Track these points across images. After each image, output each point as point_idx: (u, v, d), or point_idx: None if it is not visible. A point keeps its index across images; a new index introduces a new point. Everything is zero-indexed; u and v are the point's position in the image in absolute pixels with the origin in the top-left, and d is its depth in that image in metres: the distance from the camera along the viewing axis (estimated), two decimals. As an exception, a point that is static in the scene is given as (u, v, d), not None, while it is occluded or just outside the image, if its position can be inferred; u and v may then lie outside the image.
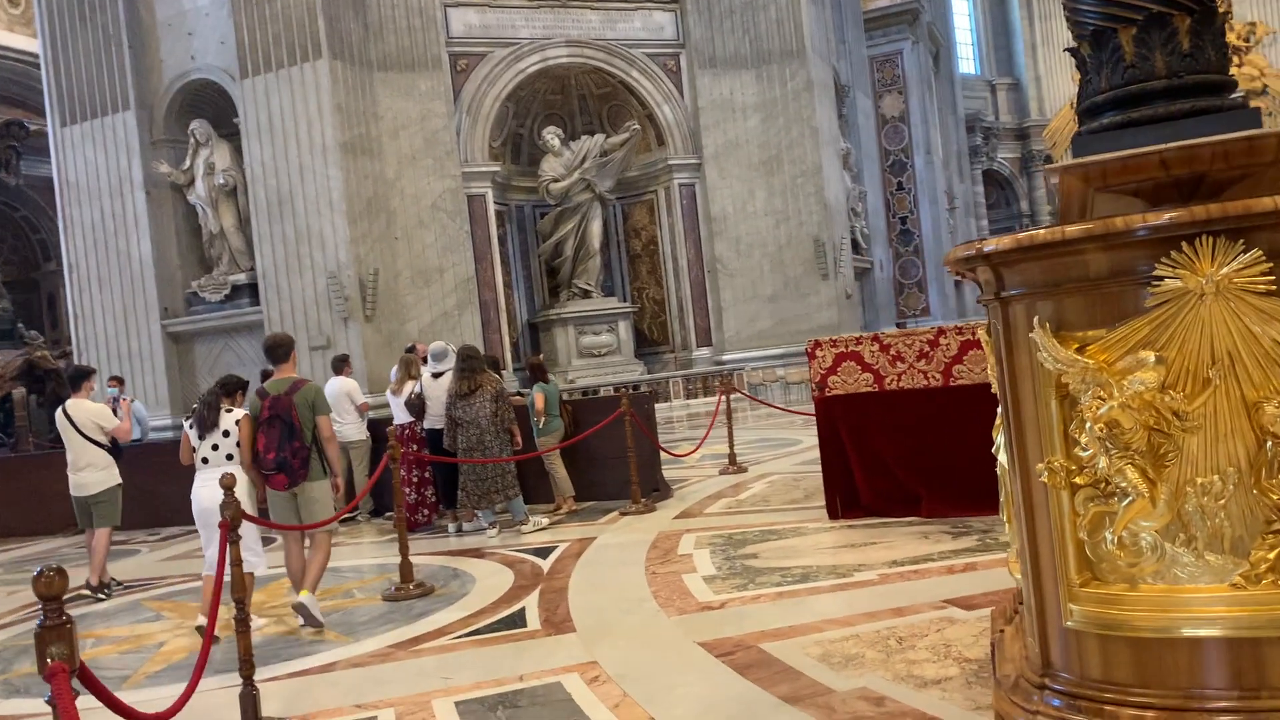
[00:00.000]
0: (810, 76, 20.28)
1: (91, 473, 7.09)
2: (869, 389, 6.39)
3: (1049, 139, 37.86)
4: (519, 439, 7.70)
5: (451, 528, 7.93)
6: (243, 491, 5.33)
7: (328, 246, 16.45)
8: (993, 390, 3.00)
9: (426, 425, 8.02)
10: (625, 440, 7.93)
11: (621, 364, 19.95)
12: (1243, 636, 2.23)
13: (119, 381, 12.48)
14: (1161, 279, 2.23)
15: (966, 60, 37.41)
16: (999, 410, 2.90)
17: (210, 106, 17.42)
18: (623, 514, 7.76)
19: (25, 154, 22.67)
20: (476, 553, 7.02)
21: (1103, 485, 2.34)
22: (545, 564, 6.33)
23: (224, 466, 5.45)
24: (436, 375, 7.90)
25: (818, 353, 6.52)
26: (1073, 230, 2.30)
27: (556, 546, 6.83)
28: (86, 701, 4.51)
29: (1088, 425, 2.32)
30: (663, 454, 8.78)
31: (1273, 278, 2.17)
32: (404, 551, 5.96)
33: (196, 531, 8.89)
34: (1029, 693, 2.51)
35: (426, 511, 8.21)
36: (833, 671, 3.71)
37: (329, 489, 5.53)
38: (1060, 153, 38.10)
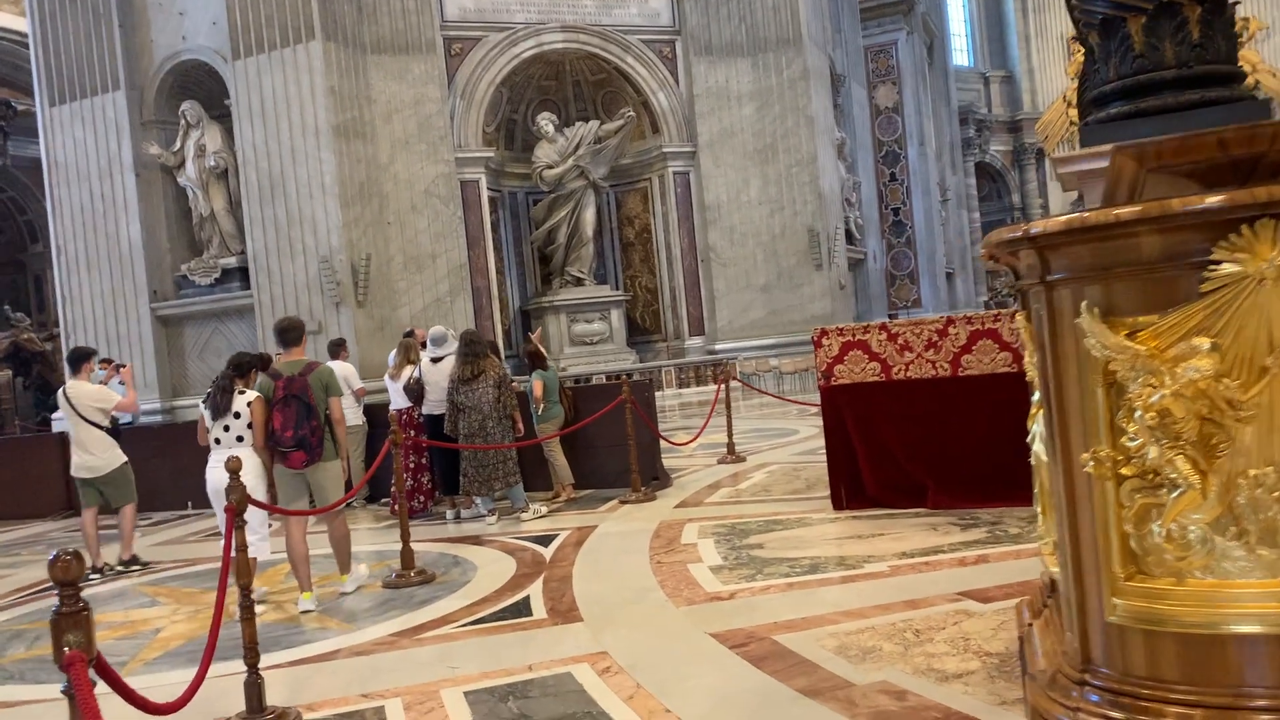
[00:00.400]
0: (806, 65, 20.17)
1: (98, 454, 7.10)
2: (876, 378, 6.33)
3: (1041, 132, 37.62)
4: (521, 425, 7.62)
5: (449, 514, 7.85)
6: (254, 473, 5.39)
7: (320, 231, 16.27)
8: (1028, 379, 2.93)
9: (424, 411, 7.93)
10: (624, 428, 7.85)
11: (613, 352, 19.85)
12: (1293, 633, 2.17)
13: (109, 364, 12.31)
14: (1219, 263, 2.16)
15: (960, 52, 37.37)
16: (1035, 399, 2.83)
17: (201, 88, 17.19)
18: (622, 502, 7.69)
19: (12, 134, 22.39)
20: (476, 540, 6.94)
21: (1151, 476, 2.28)
22: (547, 552, 6.26)
23: (234, 448, 5.50)
24: (436, 360, 7.80)
25: (824, 341, 6.45)
26: (1126, 212, 2.22)
27: (557, 534, 6.76)
28: (59, 689, 4.44)
29: (1137, 414, 2.25)
30: (661, 443, 8.71)
31: (1333, 264, 2.10)
32: (405, 538, 5.87)
33: (187, 516, 8.81)
34: (1068, 688, 2.45)
35: (423, 498, 8.12)
36: (850, 665, 3.65)
37: (339, 469, 5.61)
38: (1053, 146, 37.90)
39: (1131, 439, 2.29)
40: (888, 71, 29.22)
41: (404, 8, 17.78)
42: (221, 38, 16.58)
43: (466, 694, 3.80)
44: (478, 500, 7.78)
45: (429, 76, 17.99)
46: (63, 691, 2.26)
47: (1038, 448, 2.81)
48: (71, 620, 2.21)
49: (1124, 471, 2.32)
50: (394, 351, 8.41)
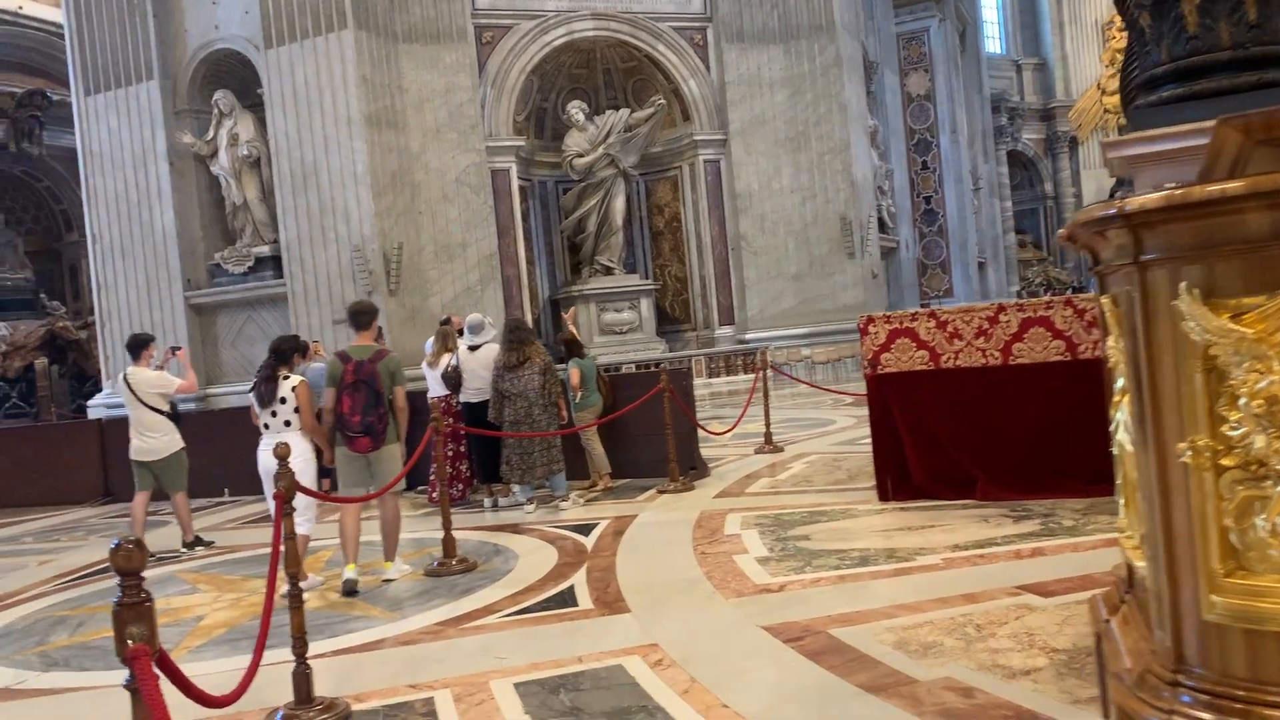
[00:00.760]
0: (839, 52, 19.95)
1: (155, 439, 7.24)
2: (924, 367, 6.20)
3: (1075, 119, 37.40)
4: (565, 413, 7.56)
5: (487, 502, 7.80)
6: (302, 457, 5.49)
7: (352, 220, 16.28)
8: (1109, 365, 2.81)
9: (462, 399, 7.87)
10: (662, 417, 7.77)
11: (643, 341, 19.75)
12: (1406, 633, 2.05)
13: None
14: (1334, 242, 2.04)
15: (993, 39, 36.90)
16: (1119, 386, 2.71)
17: (234, 77, 17.21)
18: (661, 492, 7.61)
19: (48, 124, 22.55)
20: (515, 528, 6.88)
21: (1255, 467, 2.16)
22: (588, 541, 6.19)
23: (283, 431, 5.62)
24: (473, 348, 7.73)
25: (870, 329, 6.33)
26: (1235, 186, 2.10)
27: (597, 524, 6.69)
28: (116, 676, 4.41)
29: (1241, 401, 2.13)
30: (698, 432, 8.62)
31: None
32: (447, 526, 5.82)
33: (223, 503, 8.81)
34: (1158, 689, 2.34)
35: (461, 486, 8.08)
36: (912, 660, 3.55)
37: (399, 452, 5.73)
38: (1086, 134, 37.61)
39: (1234, 428, 2.17)
40: (920, 59, 28.89)
41: (435, -5, 17.73)
42: (254, 26, 16.59)
43: (517, 685, 3.73)
44: (515, 488, 7.73)
45: (460, 65, 17.93)
46: (125, 686, 2.19)
47: (1122, 437, 2.70)
48: (134, 612, 2.13)
49: (1224, 462, 2.20)
50: (431, 339, 8.36)
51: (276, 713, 3.66)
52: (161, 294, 17.19)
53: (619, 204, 19.98)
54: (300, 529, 5.52)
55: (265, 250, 16.98)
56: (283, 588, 3.65)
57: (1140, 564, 2.58)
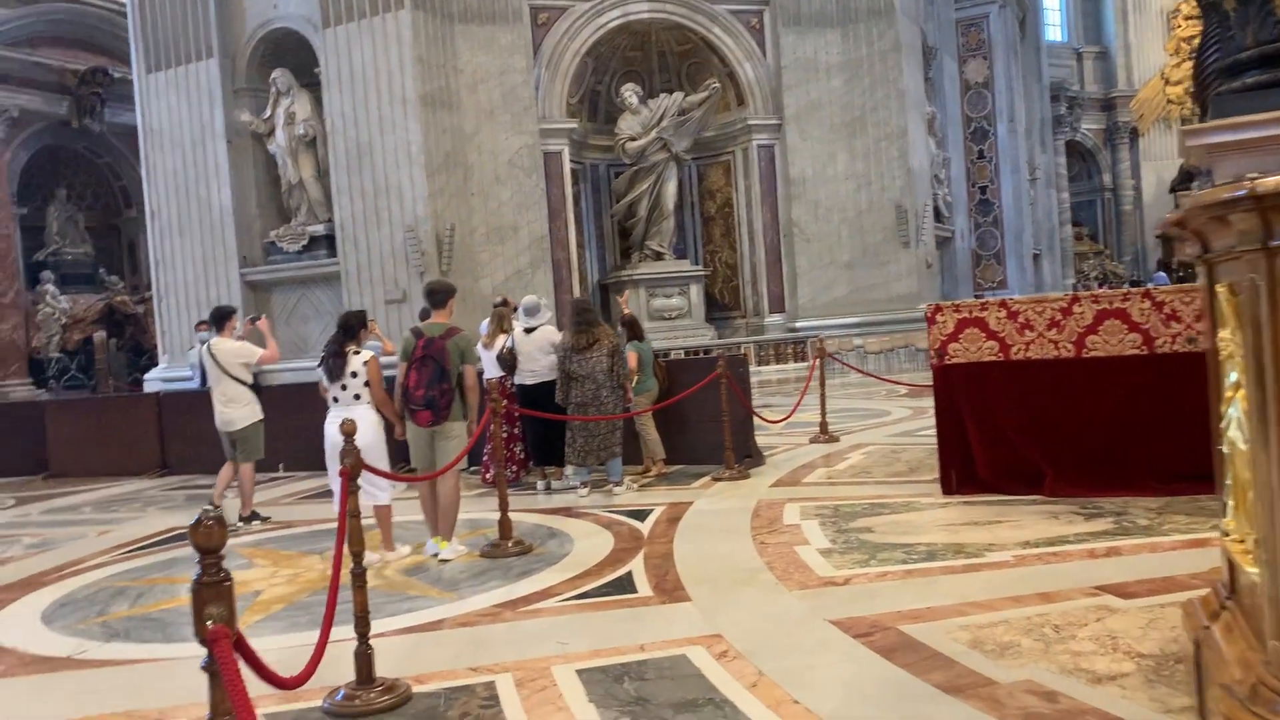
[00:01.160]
0: (898, 37, 19.60)
1: (235, 409, 7.39)
2: (993, 358, 6.04)
3: (1136, 110, 36.56)
4: (631, 396, 7.50)
5: (540, 485, 7.76)
6: (372, 430, 5.62)
7: (405, 200, 16.31)
8: (1221, 358, 2.67)
9: (516, 380, 7.82)
10: (718, 404, 7.67)
11: (691, 328, 19.60)
12: None
13: (207, 325, 12.46)
14: None
15: (1053, 27, 36.14)
16: (1231, 381, 2.57)
17: (291, 56, 17.30)
18: (715, 479, 7.52)
19: (109, 101, 22.86)
20: (569, 512, 6.83)
21: (1392, 470, 2.02)
22: (643, 527, 6.11)
23: (352, 404, 5.73)
24: (529, 330, 7.68)
25: (938, 318, 6.18)
26: (1384, 169, 1.96)
27: (651, 510, 6.61)
28: (177, 649, 4.41)
29: (1380, 399, 2.00)
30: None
31: None
32: (504, 508, 5.78)
33: (278, 478, 8.85)
34: (1273, 702, 2.21)
35: (515, 468, 8.04)
36: (989, 660, 3.43)
37: (463, 431, 5.78)
38: (1147, 125, 36.75)
39: (1369, 427, 2.03)
40: (978, 46, 28.34)
41: (492, -24, 17.66)
42: (312, 6, 16.65)
43: (579, 672, 3.67)
44: (568, 471, 7.68)
45: (515, 46, 17.86)
46: (204, 668, 2.14)
47: (1234, 434, 2.56)
48: (214, 591, 2.07)
49: (1356, 463, 2.07)
50: (486, 320, 8.32)
51: (337, 692, 3.63)
52: (217, 270, 17.38)
53: (670, 188, 19.82)
54: (382, 500, 5.69)
55: (319, 229, 17.09)
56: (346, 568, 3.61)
57: (1250, 569, 2.44)
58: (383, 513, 5.80)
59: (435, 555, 5.73)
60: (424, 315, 8.84)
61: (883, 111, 19.68)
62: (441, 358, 5.65)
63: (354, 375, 5.74)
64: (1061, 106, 34.92)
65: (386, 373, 6.02)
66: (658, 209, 19.82)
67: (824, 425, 9.21)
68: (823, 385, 9.52)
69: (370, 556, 5.71)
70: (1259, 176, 2.22)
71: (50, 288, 22.48)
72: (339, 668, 3.75)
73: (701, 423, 8.06)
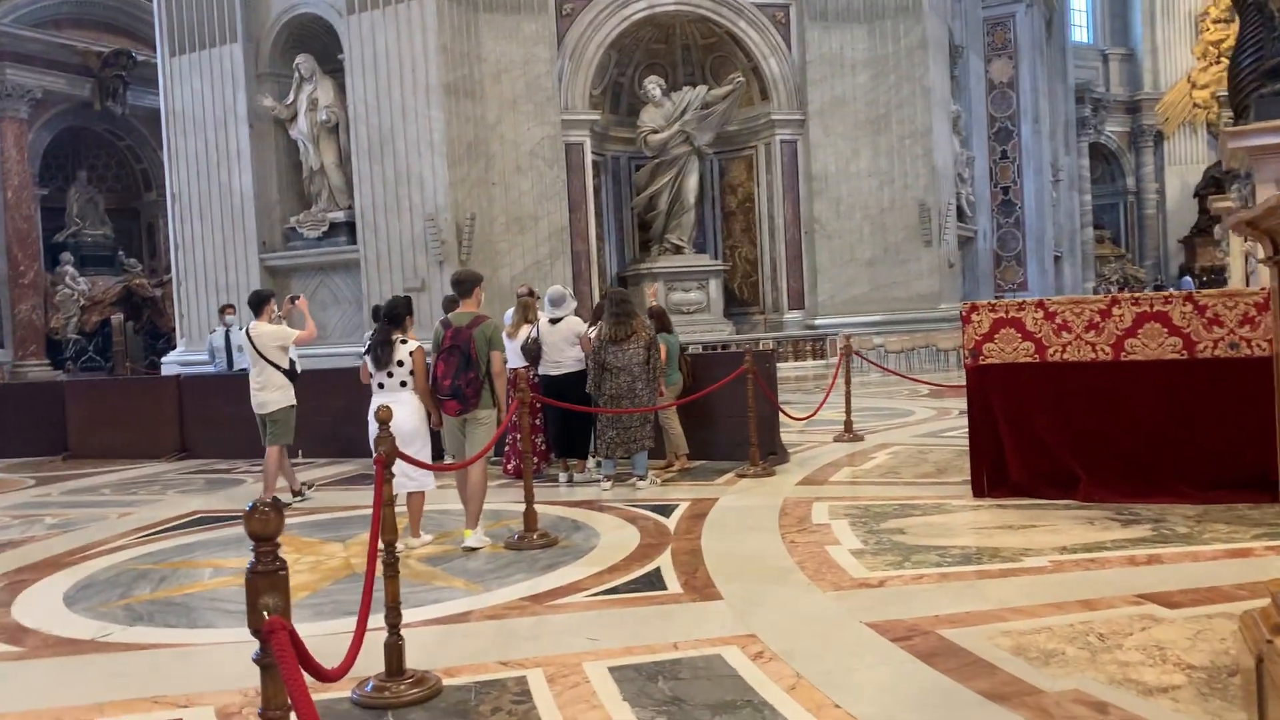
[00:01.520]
0: (925, 34, 19.47)
1: (269, 392, 7.45)
2: (1029, 359, 5.94)
3: (1162, 113, 36.27)
4: (664, 389, 7.43)
5: (562, 477, 7.70)
6: (416, 416, 5.72)
7: (426, 188, 16.30)
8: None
9: (540, 371, 7.75)
10: (744, 399, 7.58)
11: (710, 322, 19.53)
12: None
13: (232, 310, 12.47)
14: None
15: (1080, 28, 35.87)
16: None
17: (315, 42, 17.30)
18: (740, 476, 7.44)
19: (132, 84, 22.89)
20: (592, 505, 6.76)
21: None
22: (669, 523, 6.04)
23: (397, 392, 5.76)
24: (554, 321, 7.61)
25: (974, 317, 6.08)
26: None
27: (676, 505, 6.53)
28: (202, 634, 4.37)
29: None
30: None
31: None
32: (530, 499, 5.71)
33: (296, 464, 8.79)
34: (1351, 721, 2.13)
35: (537, 459, 7.97)
36: (1034, 668, 3.34)
37: (493, 419, 5.81)
38: (1173, 128, 36.45)
39: None
40: (1004, 45, 28.14)
41: (517, -34, 17.59)
42: (337, -9, 16.64)
43: (611, 670, 3.60)
44: (590, 463, 7.62)
45: (539, 36, 17.80)
46: (256, 660, 2.06)
47: (1309, 443, 2.46)
48: (268, 581, 2.00)
49: None
50: (511, 310, 8.26)
51: (366, 683, 3.57)
52: (237, 255, 17.41)
53: (692, 182, 19.75)
54: (413, 487, 5.69)
55: (340, 216, 17.10)
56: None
57: (1328, 583, 2.36)
58: (415, 500, 5.80)
59: (469, 548, 5.70)
60: (448, 304, 8.81)
61: (907, 109, 19.55)
62: (468, 347, 5.70)
63: (400, 364, 5.75)
64: (1086, 108, 34.67)
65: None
66: (678, 202, 19.76)
67: (849, 424, 9.12)
68: (848, 383, 9.43)
69: (425, 536, 5.85)
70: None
71: (69, 269, 22.55)
72: (366, 658, 3.69)
73: (726, 418, 7.98)
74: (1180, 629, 3.61)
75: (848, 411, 9.22)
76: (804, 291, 20.10)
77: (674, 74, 20.24)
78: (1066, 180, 32.01)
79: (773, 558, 5.05)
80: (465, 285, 6.07)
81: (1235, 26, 36.44)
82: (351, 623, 4.16)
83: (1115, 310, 5.74)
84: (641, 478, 7.29)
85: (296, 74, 17.09)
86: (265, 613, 1.95)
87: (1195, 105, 35.85)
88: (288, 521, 6.74)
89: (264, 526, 2.04)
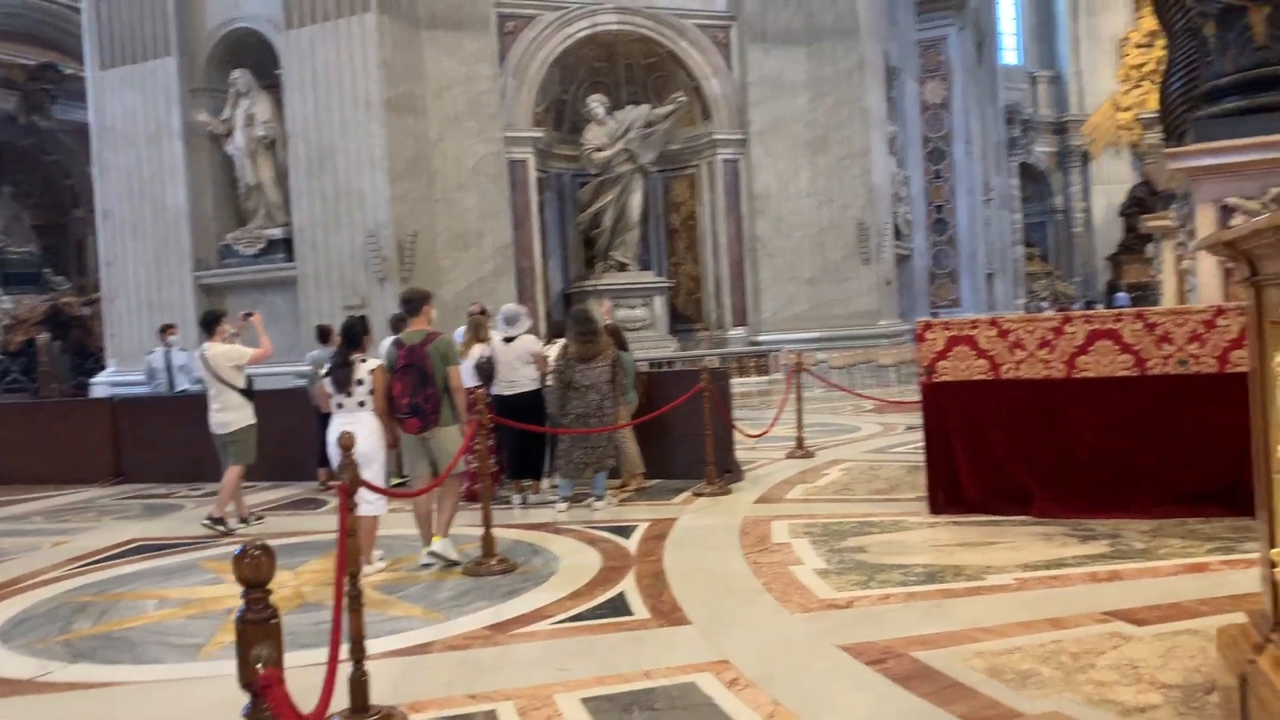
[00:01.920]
0: (863, 56, 19.74)
1: (228, 413, 7.36)
2: (983, 376, 6.00)
3: (1088, 134, 37.28)
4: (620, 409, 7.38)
5: (516, 499, 7.59)
6: (374, 438, 5.63)
7: (367, 205, 16.03)
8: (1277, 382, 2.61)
9: (494, 390, 7.64)
10: (699, 417, 7.55)
11: (655, 339, 19.50)
12: None
13: (174, 330, 12.15)
14: None
15: (1009, 51, 36.76)
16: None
17: (252, 56, 16.94)
18: (697, 494, 7.40)
19: (59, 98, 22.25)
20: (550, 527, 6.67)
21: None
22: (630, 544, 5.97)
23: (356, 412, 5.74)
24: (509, 339, 7.51)
25: (928, 335, 6.12)
26: None
27: (635, 526, 6.47)
28: (150, 671, 4.18)
29: None
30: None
31: None
32: (488, 523, 5.61)
33: (244, 487, 8.54)
34: (1346, 741, 2.14)
35: (490, 481, 7.83)
36: (1011, 690, 3.34)
37: (457, 433, 5.79)
38: (1098, 149, 37.45)
39: None
40: (937, 67, 28.70)
41: (459, -18, 17.48)
42: (275, 6, 16.33)
43: (584, 701, 3.52)
44: (555, 483, 7.54)
45: (482, 53, 17.67)
46: (246, 716, 1.93)
47: (1292, 462, 2.49)
48: (260, 630, 1.88)
49: None
50: (461, 329, 8.13)
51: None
52: (170, 273, 16.93)
53: (636, 200, 19.73)
54: (368, 510, 5.50)
55: (277, 233, 16.74)
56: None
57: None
58: (367, 523, 5.62)
59: (430, 555, 5.75)
60: (396, 323, 8.66)
61: (846, 130, 19.79)
62: (423, 364, 5.71)
63: (359, 383, 5.75)
64: (1015, 129, 35.51)
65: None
66: (623, 220, 19.72)
67: (800, 440, 9.15)
68: (799, 400, 9.45)
69: (377, 563, 5.75)
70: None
71: (-8, 287, 21.80)
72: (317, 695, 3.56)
73: (680, 436, 7.96)
74: (1150, 647, 3.64)
75: (799, 428, 9.25)
76: (747, 308, 20.19)
77: (617, 92, 20.24)
78: (998, 199, 32.69)
79: (738, 579, 5.01)
80: (414, 303, 6.09)
81: (1156, 52, 37.48)
82: (307, 656, 4.05)
83: (1068, 328, 5.83)
84: (599, 498, 7.21)
85: (233, 89, 16.72)
86: (259, 665, 1.83)
87: (1119, 127, 36.89)
88: (233, 549, 6.55)
89: (255, 571, 1.93)
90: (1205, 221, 7.01)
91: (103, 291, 18.02)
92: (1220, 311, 5.52)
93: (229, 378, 7.34)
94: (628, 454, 7.82)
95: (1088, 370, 5.78)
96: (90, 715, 3.77)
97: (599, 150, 19.29)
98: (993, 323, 6.05)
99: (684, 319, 20.84)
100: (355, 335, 5.88)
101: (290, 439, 9.16)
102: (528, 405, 7.35)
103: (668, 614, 4.50)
